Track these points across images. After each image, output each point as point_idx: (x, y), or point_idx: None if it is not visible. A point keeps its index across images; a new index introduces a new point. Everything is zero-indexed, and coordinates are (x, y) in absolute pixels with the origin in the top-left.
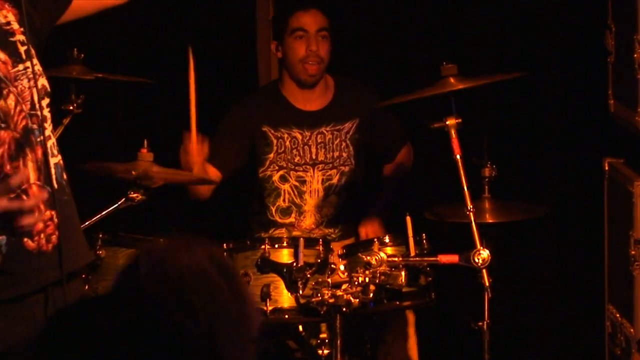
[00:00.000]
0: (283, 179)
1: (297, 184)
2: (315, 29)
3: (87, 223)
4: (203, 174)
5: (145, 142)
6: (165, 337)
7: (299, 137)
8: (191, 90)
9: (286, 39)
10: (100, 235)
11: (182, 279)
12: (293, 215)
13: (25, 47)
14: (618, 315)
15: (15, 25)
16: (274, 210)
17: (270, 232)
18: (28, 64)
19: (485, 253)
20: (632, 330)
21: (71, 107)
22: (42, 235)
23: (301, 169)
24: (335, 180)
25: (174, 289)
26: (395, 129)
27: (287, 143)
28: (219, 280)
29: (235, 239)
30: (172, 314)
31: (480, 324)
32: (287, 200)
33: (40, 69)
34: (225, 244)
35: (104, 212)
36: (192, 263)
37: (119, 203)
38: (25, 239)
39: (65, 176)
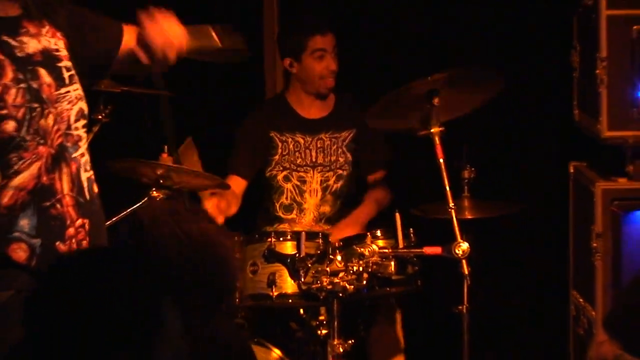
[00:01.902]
0: (286, 178)
1: (298, 183)
2: (331, 48)
3: (107, 223)
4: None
5: (166, 147)
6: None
7: (302, 141)
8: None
9: (305, 58)
10: None
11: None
12: (294, 212)
13: (70, 73)
14: (581, 300)
15: (63, 52)
16: (278, 206)
17: (275, 226)
18: (70, 88)
19: (465, 245)
20: (593, 313)
21: (100, 117)
22: (73, 240)
23: (302, 169)
24: (332, 182)
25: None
26: (379, 152)
27: (291, 146)
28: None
29: (245, 233)
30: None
31: (460, 308)
32: (289, 198)
33: (82, 93)
34: (236, 237)
35: (126, 212)
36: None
37: (142, 202)
38: (58, 243)
39: (95, 189)
